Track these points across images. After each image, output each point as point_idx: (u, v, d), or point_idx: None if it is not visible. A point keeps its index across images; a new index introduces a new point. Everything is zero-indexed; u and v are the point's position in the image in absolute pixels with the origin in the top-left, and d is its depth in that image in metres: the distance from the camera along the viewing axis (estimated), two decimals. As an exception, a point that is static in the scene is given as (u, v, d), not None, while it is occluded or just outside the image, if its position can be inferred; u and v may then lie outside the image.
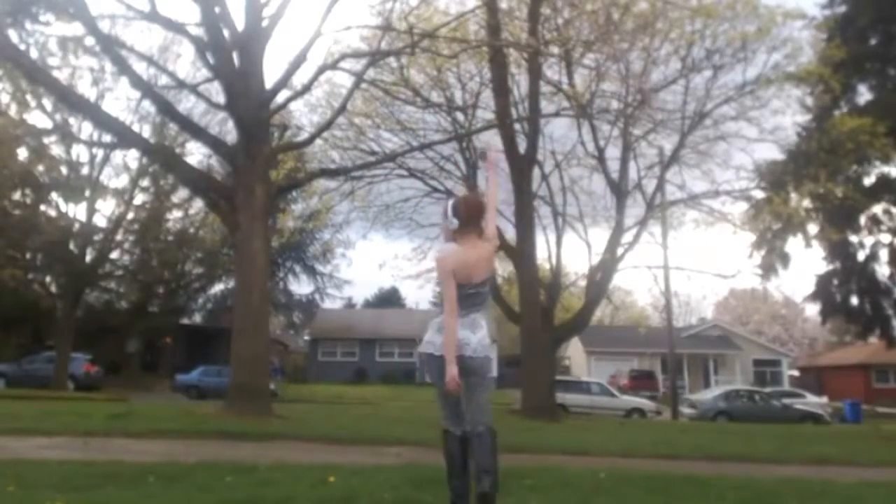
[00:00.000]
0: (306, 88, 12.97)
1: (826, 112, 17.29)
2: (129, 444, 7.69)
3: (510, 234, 17.72)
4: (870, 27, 17.24)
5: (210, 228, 26.46)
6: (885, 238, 18.58)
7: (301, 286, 45.23)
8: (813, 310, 28.22)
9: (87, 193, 24.81)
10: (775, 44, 16.46)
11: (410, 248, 41.33)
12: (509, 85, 16.50)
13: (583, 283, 20.07)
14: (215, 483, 4.82)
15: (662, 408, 24.89)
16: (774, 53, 16.69)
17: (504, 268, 20.29)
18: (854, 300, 19.66)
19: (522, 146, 17.06)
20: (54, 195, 25.37)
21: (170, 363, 32.40)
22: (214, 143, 13.94)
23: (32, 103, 19.36)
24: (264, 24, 12.19)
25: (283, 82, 12.51)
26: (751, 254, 19.13)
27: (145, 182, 26.85)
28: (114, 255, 27.63)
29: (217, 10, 11.83)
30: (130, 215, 27.03)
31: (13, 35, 12.83)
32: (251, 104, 11.82)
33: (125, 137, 13.63)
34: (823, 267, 20.01)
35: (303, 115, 19.95)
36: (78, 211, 25.17)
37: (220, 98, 13.04)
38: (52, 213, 25.71)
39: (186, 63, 27.96)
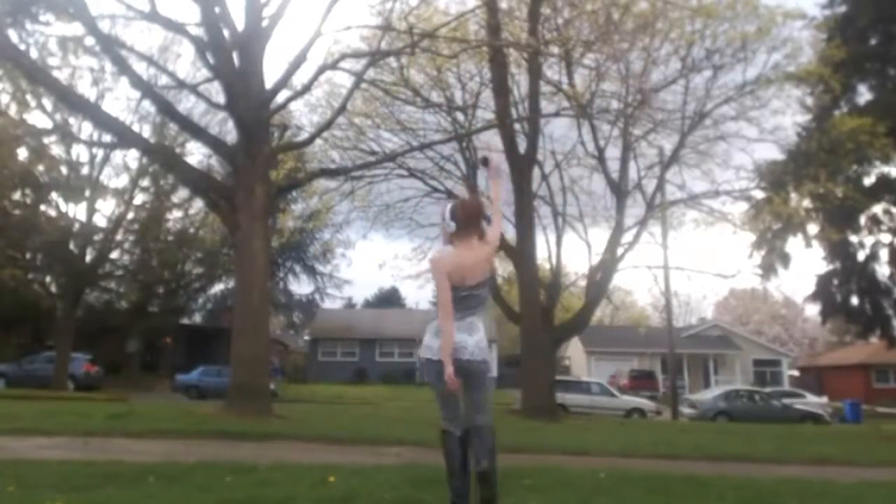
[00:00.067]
0: (306, 88, 12.97)
1: (826, 112, 17.29)
2: (129, 444, 7.69)
3: (510, 234, 17.73)
4: (870, 27, 17.24)
5: (210, 228, 26.48)
6: (885, 238, 18.60)
7: (301, 286, 45.33)
8: (813, 310, 28.27)
9: (87, 193, 24.80)
10: (775, 44, 16.48)
11: (410, 248, 41.47)
12: (509, 85, 16.50)
13: (583, 283, 20.07)
14: (215, 483, 4.83)
15: (662, 408, 24.89)
16: (774, 53, 16.72)
17: (504, 268, 20.30)
18: (854, 300, 19.67)
19: (522, 146, 17.07)
20: (54, 195, 25.37)
21: (170, 363, 32.40)
22: (214, 143, 13.94)
23: (32, 103, 19.36)
24: (264, 24, 12.20)
25: (283, 82, 12.51)
26: (751, 254, 19.15)
27: (145, 182, 26.85)
28: (114, 255, 27.63)
29: (217, 10, 11.83)
30: (130, 215, 27.03)
31: (13, 35, 12.83)
32: (251, 104, 11.82)
33: (125, 137, 13.63)
34: (823, 267, 20.05)
35: (303, 115, 19.98)
36: (78, 211, 25.19)
37: (220, 98, 13.04)
38: (52, 213, 25.71)
39: (186, 63, 28.03)
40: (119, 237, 27.15)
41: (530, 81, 16.57)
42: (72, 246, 24.89)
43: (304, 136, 17.32)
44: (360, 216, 20.62)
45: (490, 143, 16.96)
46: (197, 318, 39.96)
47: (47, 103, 19.84)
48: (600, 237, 19.37)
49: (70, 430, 8.34)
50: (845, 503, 5.32)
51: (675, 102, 17.69)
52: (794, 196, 16.94)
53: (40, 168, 24.66)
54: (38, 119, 22.99)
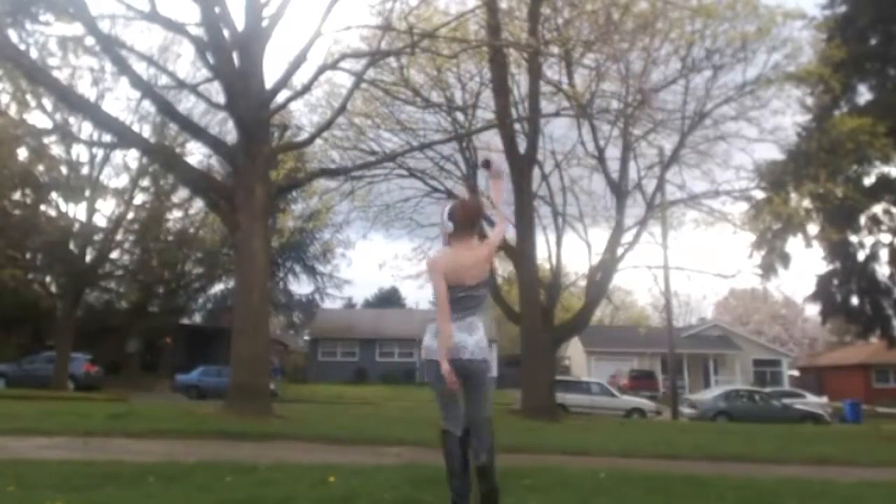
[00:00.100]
0: (306, 88, 12.97)
1: (826, 112, 17.29)
2: (129, 444, 7.69)
3: (510, 234, 17.74)
4: (870, 27, 17.24)
5: (210, 228, 26.48)
6: (885, 238, 18.60)
7: (301, 286, 45.33)
8: (813, 310, 28.26)
9: (87, 193, 24.81)
10: (775, 44, 16.48)
11: (410, 248, 41.50)
12: (509, 85, 16.50)
13: (583, 283, 20.07)
14: (215, 483, 4.83)
15: (662, 408, 24.89)
16: (774, 53, 16.72)
17: (504, 268, 20.30)
18: (854, 300, 19.67)
19: (522, 146, 17.07)
20: (54, 195, 25.37)
21: (170, 363, 32.40)
22: (214, 143, 13.94)
23: (32, 103, 19.35)
24: (264, 24, 12.20)
25: (283, 82, 12.51)
26: (751, 254, 19.15)
27: (145, 182, 26.85)
28: (114, 255, 27.63)
29: (217, 10, 11.83)
30: (130, 215, 27.03)
31: (13, 35, 12.84)
32: (251, 104, 11.82)
33: (125, 137, 13.63)
34: (823, 267, 20.05)
35: (303, 115, 19.99)
36: (78, 211, 25.19)
37: (220, 98, 13.04)
38: (52, 213, 25.71)
39: (186, 63, 28.07)
40: (119, 237, 27.15)
41: (530, 81, 16.57)
42: (72, 246, 24.89)
43: (304, 136, 17.33)
44: (360, 216, 20.66)
45: (490, 143, 17.00)
46: (197, 318, 39.96)
47: (47, 103, 19.84)
48: (600, 237, 19.40)
49: (70, 430, 8.34)
50: (845, 503, 5.32)
51: (675, 102, 17.73)
52: (794, 196, 16.94)
53: (40, 168, 24.66)
54: (38, 119, 23.02)
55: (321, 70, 12.74)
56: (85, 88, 22.75)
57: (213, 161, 23.54)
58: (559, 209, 18.73)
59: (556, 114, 16.76)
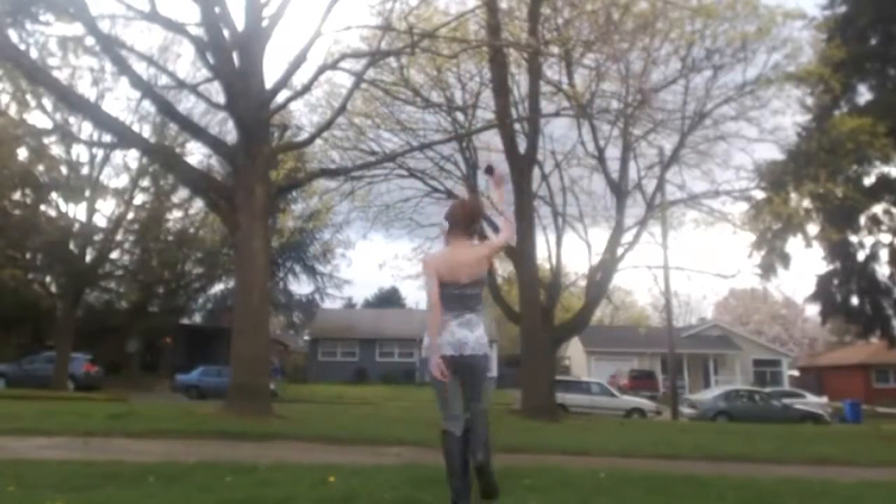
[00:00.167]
0: (306, 88, 12.97)
1: (826, 112, 17.30)
2: (129, 444, 7.69)
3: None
4: (870, 27, 17.25)
5: (210, 228, 26.48)
6: (885, 238, 18.62)
7: (301, 286, 45.31)
8: (813, 310, 28.22)
9: (87, 193, 24.81)
10: (775, 44, 16.48)
11: (410, 248, 41.44)
12: (509, 85, 16.49)
13: (583, 283, 20.06)
14: (215, 483, 4.82)
15: (662, 408, 24.89)
16: (774, 53, 16.72)
17: (504, 268, 20.29)
18: (854, 300, 19.69)
19: (522, 146, 17.06)
20: (54, 195, 25.37)
21: (170, 363, 32.40)
22: (214, 143, 13.94)
23: (32, 103, 19.34)
24: (264, 24, 12.20)
25: (283, 82, 12.51)
26: (751, 254, 19.16)
27: (145, 182, 26.85)
28: (114, 255, 27.63)
29: (217, 10, 11.83)
30: (130, 215, 27.04)
31: (13, 35, 12.83)
32: (251, 104, 11.82)
33: (125, 137, 13.63)
34: (823, 267, 20.06)
35: (303, 115, 19.99)
36: (78, 211, 25.19)
37: (220, 98, 13.04)
38: (52, 213, 25.71)
39: (186, 63, 28.10)
40: (119, 237, 27.16)
41: (530, 81, 16.57)
42: (72, 246, 24.90)
43: (304, 136, 17.32)
44: (360, 216, 20.65)
45: (490, 143, 17.02)
46: (197, 318, 39.97)
47: (47, 103, 19.84)
48: (600, 237, 19.39)
49: (70, 430, 8.34)
50: (845, 503, 5.32)
51: (675, 102, 17.73)
52: (794, 196, 16.94)
53: (40, 168, 24.67)
54: (38, 119, 23.05)
55: (321, 70, 12.74)
56: (85, 88, 22.79)
57: (213, 161, 23.56)
58: (559, 209, 18.74)
59: (556, 114, 16.76)
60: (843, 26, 17.28)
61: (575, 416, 19.02)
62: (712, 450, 9.80)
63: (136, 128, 21.75)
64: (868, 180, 17.99)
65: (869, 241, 18.88)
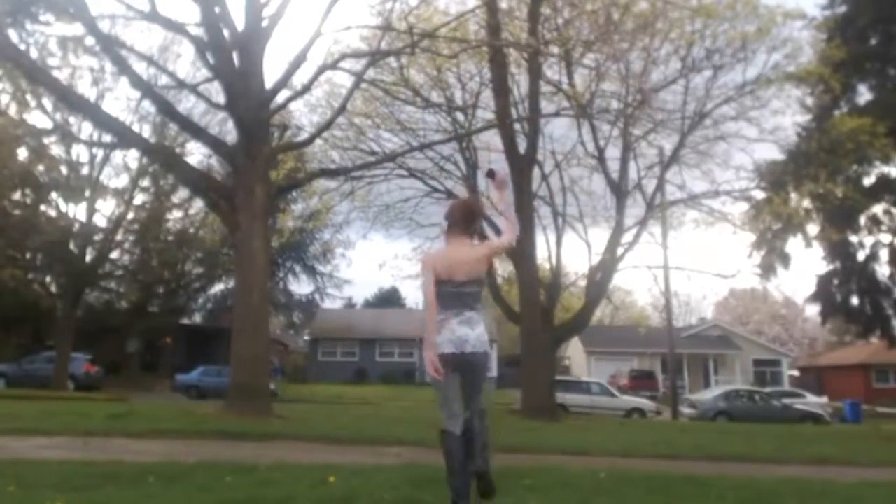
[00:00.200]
0: (306, 88, 12.97)
1: (826, 112, 17.29)
2: (129, 444, 7.69)
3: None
4: (870, 27, 17.25)
5: (210, 228, 26.47)
6: (885, 238, 18.61)
7: (301, 286, 45.33)
8: (813, 310, 28.22)
9: (87, 193, 24.81)
10: (775, 44, 16.49)
11: (410, 248, 41.44)
12: (509, 85, 16.50)
13: (583, 283, 20.07)
14: (215, 483, 4.82)
15: (662, 408, 24.89)
16: (774, 53, 16.73)
17: (504, 268, 20.30)
18: (854, 300, 19.67)
19: (522, 146, 17.07)
20: (54, 195, 25.37)
21: (170, 363, 32.40)
22: (214, 143, 13.94)
23: (32, 103, 19.34)
24: (264, 24, 12.20)
25: (283, 82, 12.51)
26: (751, 254, 19.16)
27: (145, 182, 26.86)
28: (114, 255, 27.63)
29: (217, 10, 11.83)
30: (130, 215, 27.04)
31: (13, 35, 12.83)
32: (251, 104, 11.82)
33: (125, 137, 13.63)
34: (823, 267, 20.05)
35: (303, 115, 20.01)
36: (78, 211, 25.19)
37: (220, 98, 13.04)
38: (52, 213, 25.71)
39: (186, 63, 28.12)
40: (119, 237, 27.16)
41: (530, 81, 16.57)
42: (72, 246, 24.89)
43: (304, 136, 17.33)
44: (360, 216, 20.66)
45: (490, 143, 17.01)
46: (197, 318, 39.97)
47: (47, 103, 19.83)
48: (600, 237, 19.39)
49: (70, 430, 8.33)
50: (845, 503, 5.32)
51: (675, 102, 17.74)
52: (794, 196, 16.94)
53: (40, 168, 24.67)
54: (38, 119, 23.06)
55: (321, 70, 12.74)
56: (85, 88, 22.80)
57: (213, 161, 23.58)
58: (559, 209, 18.74)
59: (556, 114, 16.77)
60: (843, 26, 17.28)
61: (575, 416, 19.02)
62: (712, 450, 9.80)
63: (136, 128, 21.76)
64: (868, 180, 17.99)
65: (869, 241, 18.89)
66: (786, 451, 10.27)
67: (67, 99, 13.13)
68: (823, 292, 20.29)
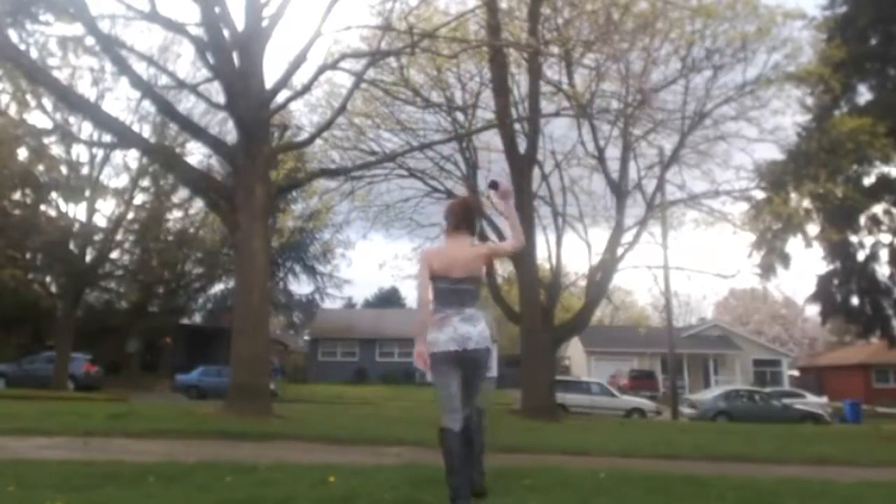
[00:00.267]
0: (306, 88, 12.97)
1: (826, 112, 17.30)
2: (129, 444, 7.68)
3: (509, 234, 17.70)
4: (870, 27, 17.25)
5: (210, 228, 26.46)
6: (885, 238, 18.62)
7: (301, 286, 45.35)
8: (813, 310, 28.23)
9: (87, 193, 24.81)
10: (775, 44, 16.49)
11: (410, 248, 41.41)
12: (509, 85, 16.50)
13: (583, 283, 20.07)
14: (215, 483, 4.82)
15: (662, 408, 24.88)
16: (774, 53, 16.73)
17: (504, 268, 20.30)
18: (854, 300, 19.69)
19: (522, 146, 17.07)
20: (54, 195, 25.38)
21: (170, 363, 32.40)
22: (214, 143, 13.94)
23: (32, 103, 19.33)
24: (264, 24, 12.20)
25: (283, 82, 12.51)
26: (751, 254, 19.17)
27: (145, 182, 26.86)
28: (114, 255, 27.64)
29: (217, 10, 11.83)
30: (130, 215, 27.04)
31: (13, 35, 12.83)
32: (251, 104, 11.82)
33: (125, 137, 13.62)
34: (823, 267, 20.06)
35: (303, 115, 20.01)
36: (78, 211, 25.20)
37: (220, 98, 13.04)
38: (52, 213, 25.72)
39: (186, 63, 28.13)
40: (119, 237, 27.17)
41: (530, 81, 16.57)
42: (72, 246, 24.90)
43: (304, 136, 17.33)
44: (360, 216, 20.66)
45: (490, 143, 17.01)
46: (197, 318, 39.97)
47: (47, 103, 19.83)
48: (600, 237, 19.39)
49: (70, 430, 8.33)
50: (845, 503, 5.32)
51: (675, 102, 17.73)
52: (794, 196, 16.95)
53: (40, 168, 24.67)
54: (38, 119, 23.08)
55: (321, 70, 12.74)
56: (85, 88, 22.81)
57: (213, 161, 23.59)
58: (559, 209, 18.74)
59: (556, 114, 16.77)
60: (843, 26, 17.28)
61: (575, 416, 19.02)
62: (712, 450, 9.80)
63: (136, 128, 21.76)
64: (868, 180, 18.00)
65: (869, 241, 18.91)
66: (786, 451, 10.26)
67: (67, 99, 13.12)
68: (823, 292, 20.30)
